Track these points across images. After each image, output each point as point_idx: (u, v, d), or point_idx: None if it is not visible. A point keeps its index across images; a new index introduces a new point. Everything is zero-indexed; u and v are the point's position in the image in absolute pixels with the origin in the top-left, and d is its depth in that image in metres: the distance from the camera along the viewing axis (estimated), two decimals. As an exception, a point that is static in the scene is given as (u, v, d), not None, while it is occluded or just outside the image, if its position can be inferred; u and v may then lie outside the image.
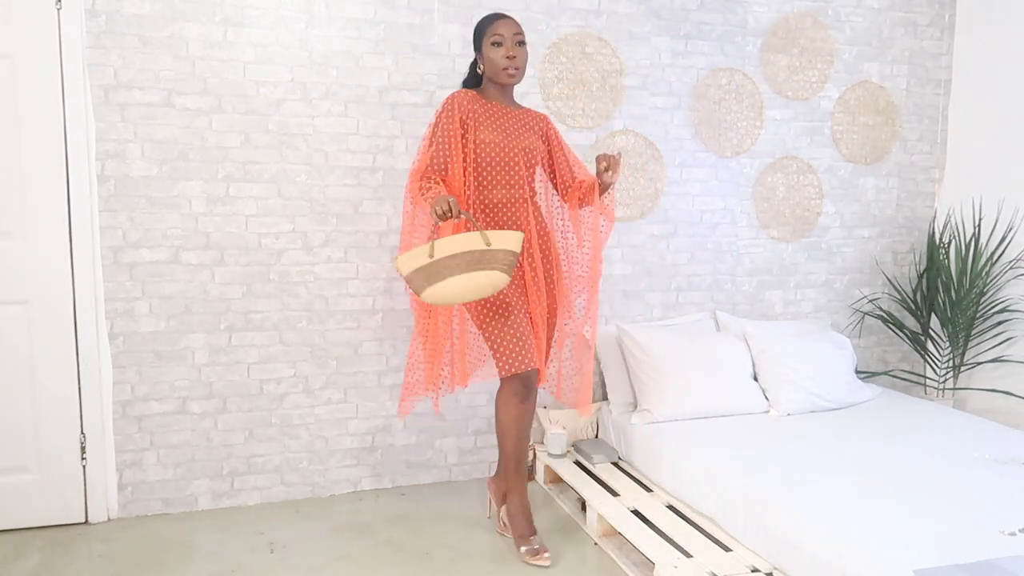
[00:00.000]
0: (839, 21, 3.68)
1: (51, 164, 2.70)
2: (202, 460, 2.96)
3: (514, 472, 2.61)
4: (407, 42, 3.05)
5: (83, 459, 2.82)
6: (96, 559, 2.58)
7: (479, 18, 3.09)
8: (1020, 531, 1.99)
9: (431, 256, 2.26)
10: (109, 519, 2.87)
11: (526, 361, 2.43)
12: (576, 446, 3.23)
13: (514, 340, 2.43)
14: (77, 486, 2.82)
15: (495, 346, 2.45)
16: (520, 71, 2.51)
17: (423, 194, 2.44)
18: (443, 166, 2.49)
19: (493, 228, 2.51)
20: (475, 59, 2.61)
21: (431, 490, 3.19)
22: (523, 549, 2.53)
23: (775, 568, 2.19)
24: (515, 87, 2.66)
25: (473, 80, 2.65)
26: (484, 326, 2.49)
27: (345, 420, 3.12)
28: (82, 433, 2.82)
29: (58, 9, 2.66)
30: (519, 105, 2.66)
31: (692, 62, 3.46)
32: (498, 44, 2.47)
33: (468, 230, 2.41)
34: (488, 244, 2.26)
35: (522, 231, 2.50)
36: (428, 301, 2.31)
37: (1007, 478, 2.38)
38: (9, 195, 2.68)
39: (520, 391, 2.51)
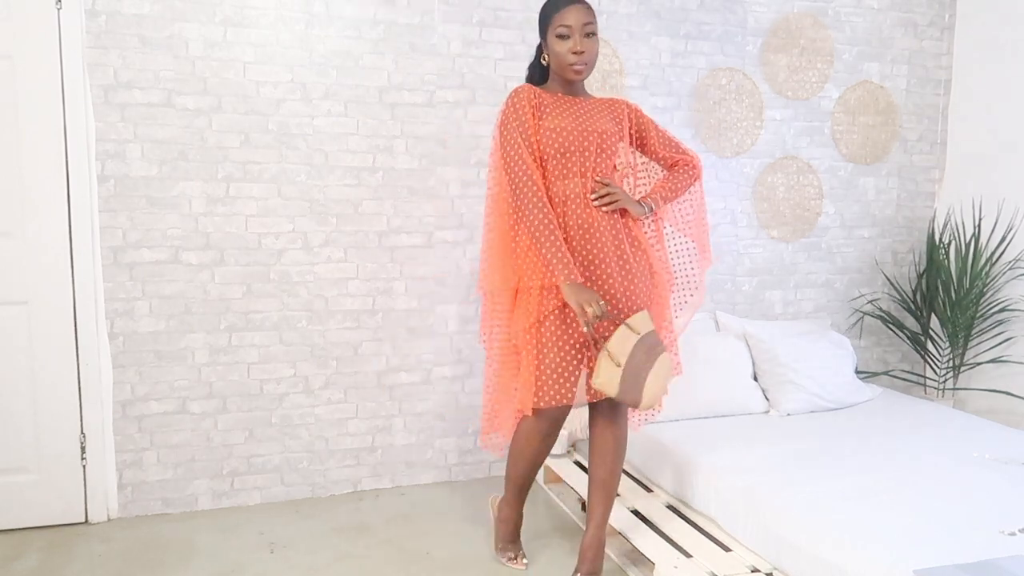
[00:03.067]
0: (839, 21, 3.68)
1: (51, 164, 2.70)
2: (202, 460, 2.96)
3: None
4: (407, 42, 3.05)
5: (83, 459, 2.82)
6: (96, 559, 2.58)
7: (480, 17, 3.12)
8: (1020, 531, 1.99)
9: (619, 365, 2.13)
10: (109, 519, 2.87)
11: (557, 397, 2.23)
12: (576, 446, 3.23)
13: (551, 373, 2.24)
14: (77, 486, 2.82)
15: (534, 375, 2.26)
16: (589, 66, 2.25)
17: (537, 232, 2.18)
18: (534, 162, 2.26)
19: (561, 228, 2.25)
20: (539, 45, 2.35)
21: (431, 490, 3.19)
22: None
23: (775, 568, 2.19)
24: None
25: (538, 68, 2.39)
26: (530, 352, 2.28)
27: (345, 420, 3.12)
28: (82, 433, 2.82)
29: (58, 9, 2.66)
30: (590, 95, 2.40)
31: (692, 62, 3.46)
32: (564, 37, 2.19)
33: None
34: (639, 332, 2.17)
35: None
36: (647, 406, 2.21)
37: (1007, 478, 2.38)
38: (9, 195, 2.68)
39: (603, 412, 2.34)
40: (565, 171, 2.27)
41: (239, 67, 2.87)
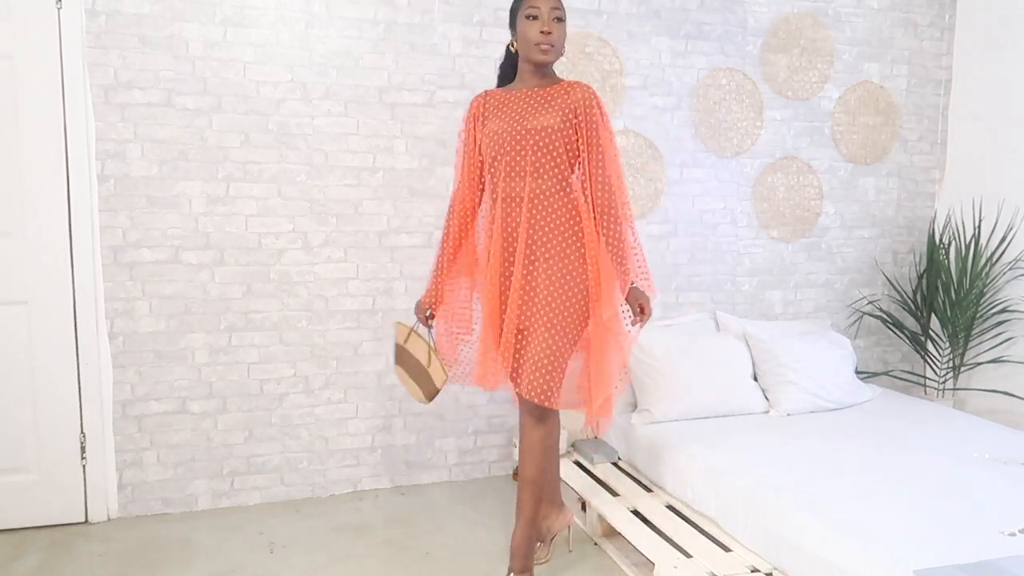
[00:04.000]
0: (839, 21, 3.68)
1: (51, 164, 2.70)
2: (202, 460, 2.96)
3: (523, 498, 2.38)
4: (407, 42, 3.05)
5: (83, 459, 2.82)
6: (96, 559, 2.58)
7: (480, 17, 3.12)
8: (1020, 531, 1.99)
9: (403, 343, 2.51)
10: (109, 519, 2.87)
11: (470, 377, 2.47)
12: (576, 446, 3.23)
13: (477, 353, 2.43)
14: (77, 486, 2.82)
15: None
16: (555, 48, 2.24)
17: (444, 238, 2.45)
18: (468, 176, 2.40)
19: (498, 230, 2.31)
20: (509, 43, 2.36)
21: (431, 490, 3.18)
22: None
23: (775, 568, 2.19)
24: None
25: (508, 64, 2.40)
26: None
27: (345, 420, 3.11)
28: (82, 433, 2.81)
29: (58, 9, 2.66)
30: (557, 81, 2.33)
31: (692, 62, 3.46)
32: (533, 17, 2.22)
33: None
34: (428, 365, 2.44)
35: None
36: (423, 398, 2.48)
37: (1007, 478, 2.38)
38: (9, 195, 2.67)
39: (530, 411, 2.32)
40: (511, 171, 2.28)
41: (239, 67, 2.87)
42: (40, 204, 2.70)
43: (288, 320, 3.01)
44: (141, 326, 2.85)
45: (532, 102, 2.29)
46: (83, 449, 2.82)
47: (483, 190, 2.41)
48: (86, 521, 2.84)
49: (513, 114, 2.29)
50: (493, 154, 2.30)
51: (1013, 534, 1.97)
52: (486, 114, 2.34)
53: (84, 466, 2.83)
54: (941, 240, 3.81)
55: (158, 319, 2.86)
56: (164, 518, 2.89)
